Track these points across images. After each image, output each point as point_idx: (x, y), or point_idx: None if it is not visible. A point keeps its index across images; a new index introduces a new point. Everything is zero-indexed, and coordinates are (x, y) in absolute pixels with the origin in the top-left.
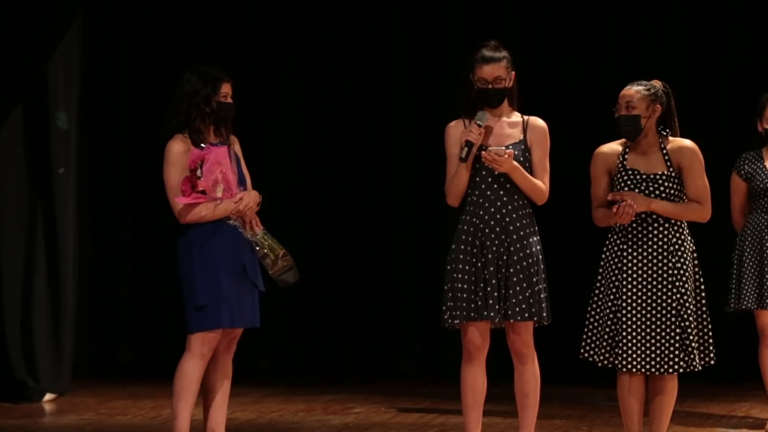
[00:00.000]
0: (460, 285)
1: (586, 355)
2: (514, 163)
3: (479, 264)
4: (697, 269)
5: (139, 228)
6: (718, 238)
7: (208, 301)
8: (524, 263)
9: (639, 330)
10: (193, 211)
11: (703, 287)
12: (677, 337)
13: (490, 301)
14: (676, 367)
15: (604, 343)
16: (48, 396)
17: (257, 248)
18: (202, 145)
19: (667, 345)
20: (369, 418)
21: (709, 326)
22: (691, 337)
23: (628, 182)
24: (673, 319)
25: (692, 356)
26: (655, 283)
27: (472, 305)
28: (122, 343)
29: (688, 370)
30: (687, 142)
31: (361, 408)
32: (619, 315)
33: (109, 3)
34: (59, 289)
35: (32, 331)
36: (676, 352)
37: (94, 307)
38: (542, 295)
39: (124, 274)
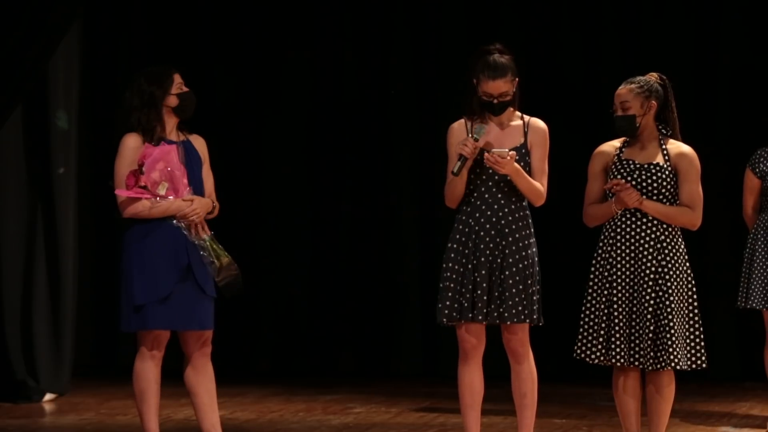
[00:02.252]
0: (449, 284)
1: (583, 355)
2: (516, 165)
3: (470, 266)
4: (689, 271)
5: None
6: (721, 240)
7: (145, 300)
8: (520, 265)
9: (624, 324)
10: (132, 206)
11: (694, 290)
12: (650, 335)
13: (479, 304)
14: (649, 363)
15: (600, 341)
16: (48, 396)
17: (202, 253)
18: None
19: (639, 341)
20: (369, 418)
21: (700, 329)
22: (668, 336)
23: (622, 171)
24: (649, 317)
25: (669, 355)
26: (638, 279)
27: (456, 305)
28: (122, 343)
29: (662, 368)
30: (686, 148)
31: (361, 408)
32: (611, 310)
33: (109, 3)
34: (59, 289)
35: (32, 331)
36: (648, 350)
37: (94, 307)
38: (535, 297)
39: None
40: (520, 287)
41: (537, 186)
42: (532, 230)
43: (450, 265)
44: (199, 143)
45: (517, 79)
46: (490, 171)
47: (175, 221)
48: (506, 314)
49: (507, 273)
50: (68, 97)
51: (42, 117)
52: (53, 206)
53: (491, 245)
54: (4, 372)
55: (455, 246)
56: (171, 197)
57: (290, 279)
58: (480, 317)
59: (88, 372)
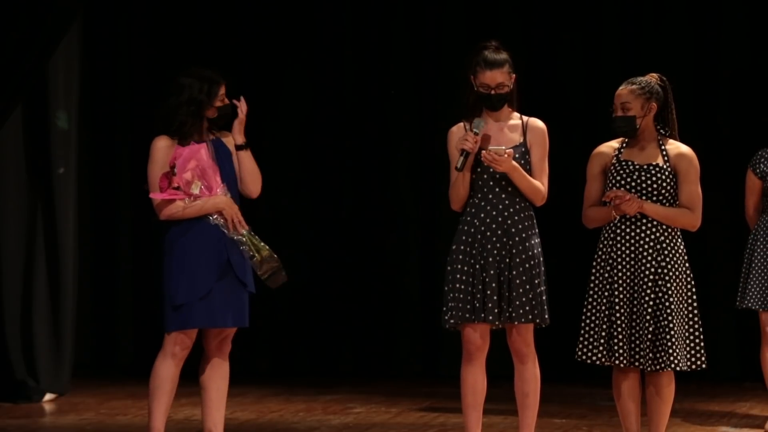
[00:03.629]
0: (458, 286)
1: (584, 357)
2: (514, 163)
3: (477, 266)
4: (688, 272)
5: (139, 228)
6: (721, 240)
7: (184, 300)
8: (526, 265)
9: (625, 325)
10: (167, 207)
11: (694, 290)
12: (650, 336)
13: (489, 305)
14: (648, 364)
15: (601, 341)
16: (48, 396)
17: (243, 248)
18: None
19: (639, 342)
20: (369, 418)
21: (700, 330)
22: (667, 337)
23: (621, 172)
24: (649, 318)
25: (668, 356)
26: (637, 280)
27: (468, 306)
28: (122, 343)
29: (661, 369)
30: (685, 149)
31: (361, 408)
32: (612, 311)
33: (109, 3)
34: (59, 289)
35: (32, 331)
36: (647, 351)
37: (94, 307)
38: (543, 297)
39: (124, 274)
40: (527, 287)
41: (536, 185)
42: (537, 230)
43: (458, 267)
44: (228, 140)
45: (514, 74)
46: (491, 171)
47: (212, 218)
48: (515, 314)
49: (514, 273)
50: (68, 97)
51: (42, 117)
52: (53, 206)
53: (498, 245)
54: (4, 372)
55: (461, 248)
56: (205, 196)
57: (290, 279)
58: (491, 318)
59: (88, 372)
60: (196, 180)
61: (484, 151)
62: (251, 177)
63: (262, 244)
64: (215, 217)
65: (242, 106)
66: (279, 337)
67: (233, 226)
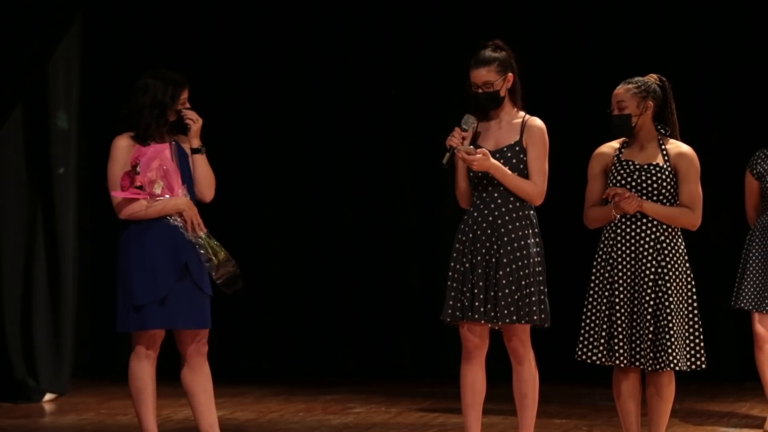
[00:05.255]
0: (452, 284)
1: (584, 357)
2: (492, 161)
3: (468, 264)
4: (688, 272)
5: None
6: (721, 240)
7: (144, 300)
8: (514, 266)
9: (626, 325)
10: (128, 206)
11: (694, 290)
12: (650, 336)
13: (476, 303)
14: (648, 364)
15: (602, 341)
16: (48, 396)
17: (201, 251)
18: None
19: (639, 342)
20: (369, 418)
21: (700, 330)
22: (667, 337)
23: (622, 172)
24: (649, 318)
25: (668, 356)
26: (638, 280)
27: (459, 304)
28: (122, 343)
29: (661, 369)
30: (686, 148)
31: (361, 408)
32: (612, 311)
33: (109, 3)
34: (59, 289)
35: (32, 331)
36: (647, 350)
37: (94, 307)
38: (534, 298)
39: None
40: (514, 287)
41: (523, 184)
42: (536, 230)
43: (453, 264)
44: (185, 143)
45: (509, 73)
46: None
47: (171, 219)
48: (500, 314)
49: (501, 272)
50: (68, 97)
51: (42, 117)
52: (53, 206)
53: (487, 244)
54: (4, 372)
55: (457, 245)
56: (166, 196)
57: (290, 279)
58: (477, 316)
59: (88, 372)
60: (159, 180)
61: (455, 150)
62: (206, 181)
63: (220, 247)
64: (174, 218)
65: (193, 115)
66: (279, 337)
67: (192, 228)
